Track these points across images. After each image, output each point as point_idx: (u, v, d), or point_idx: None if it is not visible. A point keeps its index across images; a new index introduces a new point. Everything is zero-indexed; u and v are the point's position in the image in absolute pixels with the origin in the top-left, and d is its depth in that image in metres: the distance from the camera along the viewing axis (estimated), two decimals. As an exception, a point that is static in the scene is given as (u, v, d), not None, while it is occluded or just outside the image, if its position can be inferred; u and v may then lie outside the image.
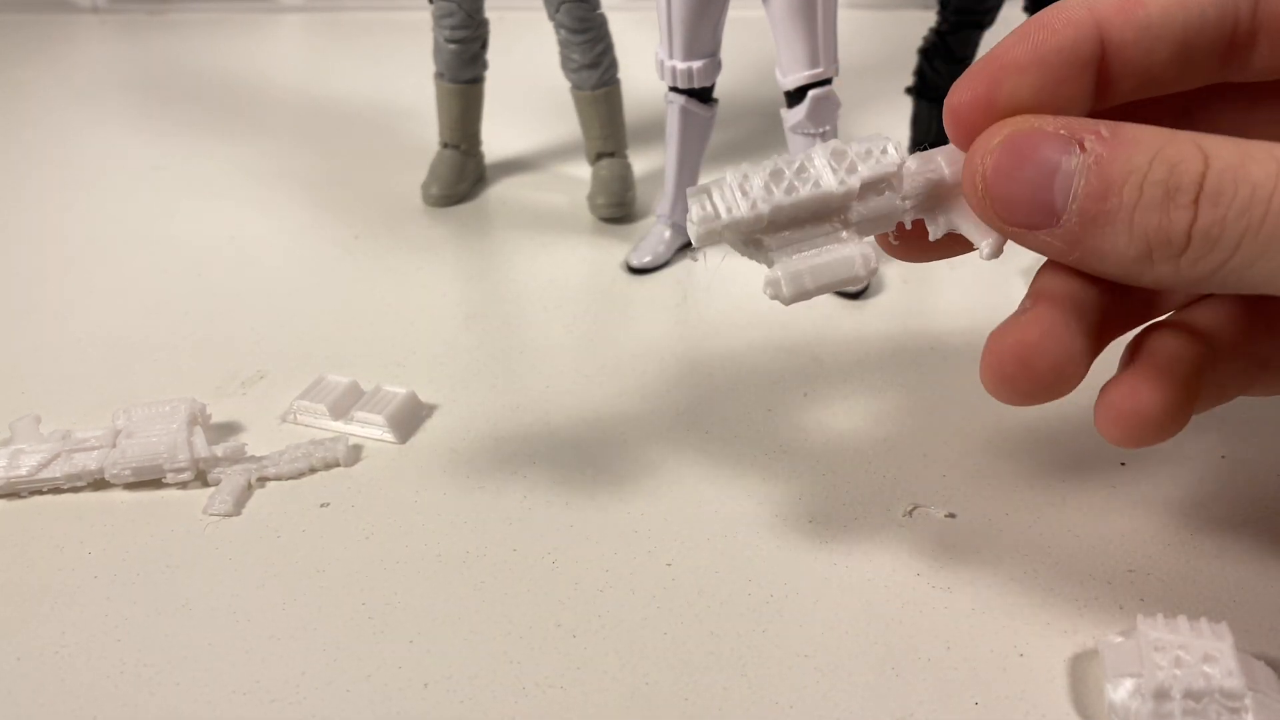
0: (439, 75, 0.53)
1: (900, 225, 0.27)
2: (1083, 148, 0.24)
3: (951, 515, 0.33)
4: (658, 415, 0.38)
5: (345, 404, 0.37)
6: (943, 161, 0.26)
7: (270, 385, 0.40)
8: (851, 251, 0.26)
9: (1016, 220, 0.25)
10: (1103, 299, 0.26)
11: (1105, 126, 0.24)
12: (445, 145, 0.55)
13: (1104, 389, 0.26)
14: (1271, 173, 0.22)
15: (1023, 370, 0.25)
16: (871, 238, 0.27)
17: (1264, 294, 0.24)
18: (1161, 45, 0.26)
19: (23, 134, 0.66)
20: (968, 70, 0.27)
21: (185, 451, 0.34)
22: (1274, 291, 0.23)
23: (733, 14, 0.43)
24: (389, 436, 0.36)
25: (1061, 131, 0.24)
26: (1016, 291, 0.44)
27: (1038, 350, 0.25)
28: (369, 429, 0.37)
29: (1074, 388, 0.25)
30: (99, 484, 0.35)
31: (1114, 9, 0.26)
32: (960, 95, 0.26)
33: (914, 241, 0.28)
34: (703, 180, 0.49)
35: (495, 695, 0.27)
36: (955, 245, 0.28)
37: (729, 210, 0.26)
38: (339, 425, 0.37)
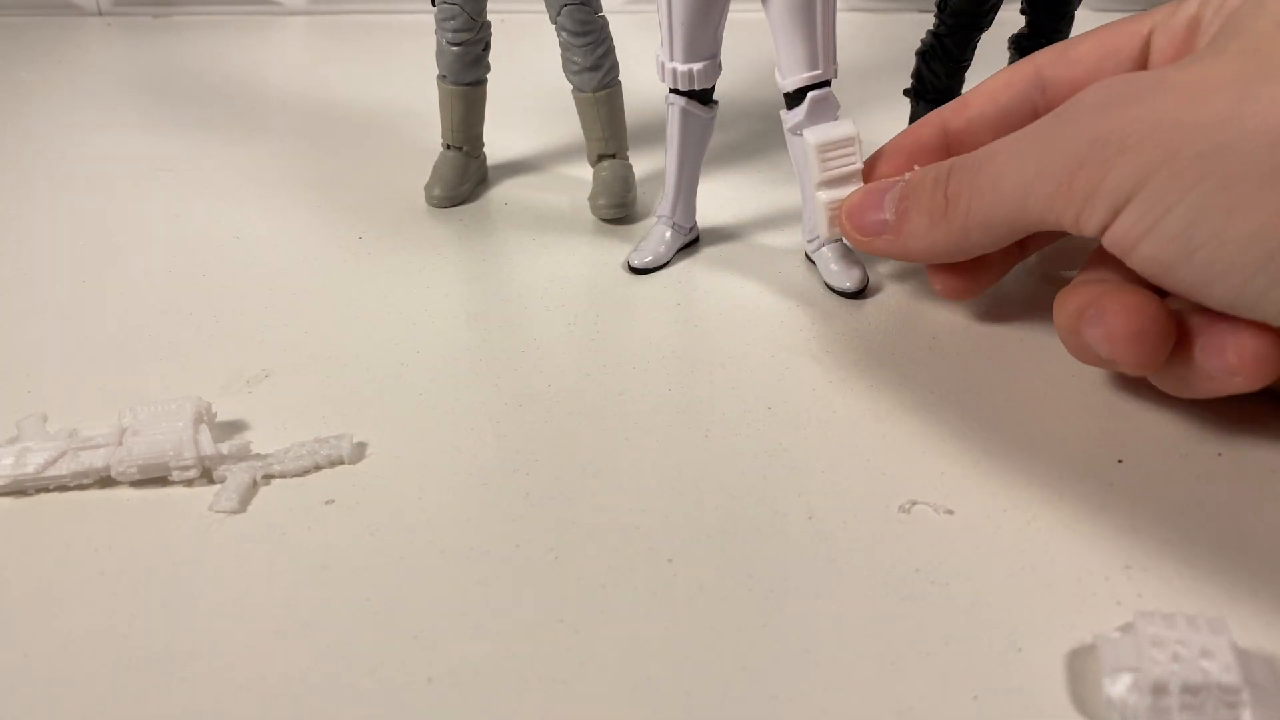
0: (441, 77, 0.53)
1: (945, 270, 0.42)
2: (904, 178, 0.40)
3: (950, 511, 0.33)
4: (659, 413, 0.38)
5: None
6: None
7: (275, 384, 0.40)
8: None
9: (866, 233, 0.40)
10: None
11: (914, 171, 0.40)
12: (448, 147, 0.55)
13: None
14: (984, 148, 0.36)
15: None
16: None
17: (1021, 235, 0.37)
18: (982, 128, 0.42)
19: (28, 136, 0.66)
20: (875, 154, 0.43)
21: (191, 449, 0.35)
22: (1013, 225, 0.35)
23: (732, 16, 0.44)
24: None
25: (892, 179, 0.41)
26: (1013, 289, 0.45)
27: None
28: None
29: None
30: (105, 481, 0.35)
31: (950, 111, 0.42)
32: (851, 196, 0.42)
33: (964, 278, 0.42)
34: (703, 182, 0.50)
35: (498, 690, 0.27)
36: (986, 270, 0.42)
37: None
38: None
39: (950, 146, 0.42)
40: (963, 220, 0.36)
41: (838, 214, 0.41)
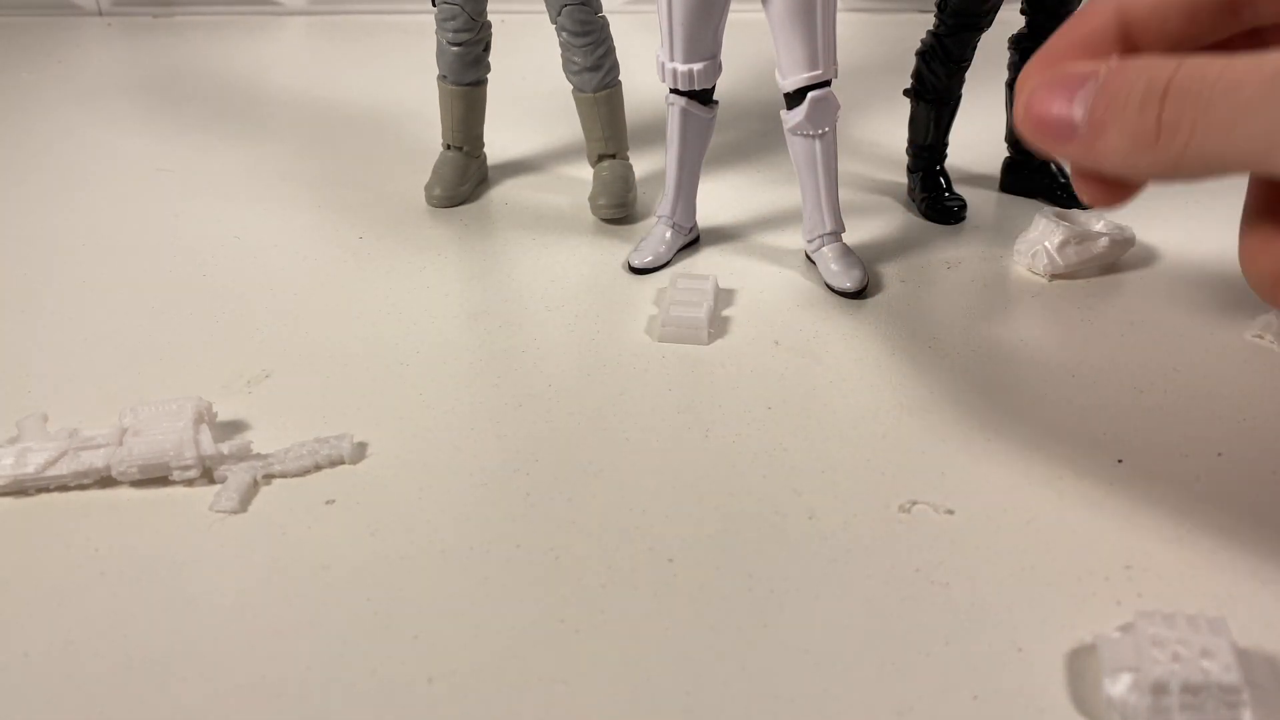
0: (442, 78, 0.54)
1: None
2: (1098, 75, 0.30)
3: (950, 511, 0.33)
4: (659, 413, 0.38)
5: None
6: None
7: (275, 384, 0.40)
8: None
9: (1048, 135, 0.31)
10: None
11: (1119, 56, 0.31)
12: (448, 147, 0.55)
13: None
14: (1217, 68, 0.28)
15: None
16: None
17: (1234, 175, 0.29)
18: (1174, 16, 0.33)
19: (29, 135, 0.66)
20: (1030, 60, 0.33)
21: (191, 449, 0.35)
22: (1243, 171, 0.28)
23: (732, 16, 0.44)
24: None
25: (1083, 67, 0.31)
26: (1013, 290, 0.45)
27: None
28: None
29: None
30: (106, 481, 0.35)
31: None
32: (1025, 81, 0.33)
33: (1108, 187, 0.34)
34: (703, 182, 0.50)
35: (498, 690, 0.27)
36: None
37: None
38: None
39: (1132, 39, 0.34)
40: (1178, 154, 0.30)
41: (1017, 98, 0.33)
